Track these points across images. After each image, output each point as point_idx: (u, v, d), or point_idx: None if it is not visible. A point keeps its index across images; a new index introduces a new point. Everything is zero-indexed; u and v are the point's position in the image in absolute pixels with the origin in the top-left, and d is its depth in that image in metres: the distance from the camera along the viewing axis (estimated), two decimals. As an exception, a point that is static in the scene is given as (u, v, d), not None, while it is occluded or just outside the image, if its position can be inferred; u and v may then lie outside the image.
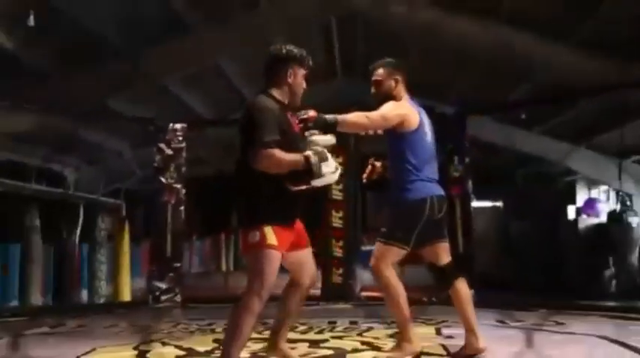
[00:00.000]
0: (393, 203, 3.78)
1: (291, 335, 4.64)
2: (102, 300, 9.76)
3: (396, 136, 3.78)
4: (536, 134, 10.09)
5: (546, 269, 8.68)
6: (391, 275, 3.74)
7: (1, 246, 7.67)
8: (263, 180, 3.12)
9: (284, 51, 3.36)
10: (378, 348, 4.17)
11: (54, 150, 9.91)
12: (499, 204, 11.55)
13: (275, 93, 3.34)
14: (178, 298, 7.46)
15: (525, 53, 7.40)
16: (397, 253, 3.72)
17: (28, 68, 7.65)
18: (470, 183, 7.39)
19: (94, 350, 4.19)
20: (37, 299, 8.63)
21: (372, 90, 3.95)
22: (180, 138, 7.66)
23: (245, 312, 3.02)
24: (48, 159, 9.87)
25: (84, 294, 9.90)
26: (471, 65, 8.72)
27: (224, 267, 14.18)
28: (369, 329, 5.17)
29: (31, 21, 5.91)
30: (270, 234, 3.09)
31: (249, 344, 3.51)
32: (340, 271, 7.36)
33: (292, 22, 8.42)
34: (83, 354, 3.98)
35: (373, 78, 3.93)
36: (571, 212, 10.61)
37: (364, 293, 7.69)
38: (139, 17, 7.51)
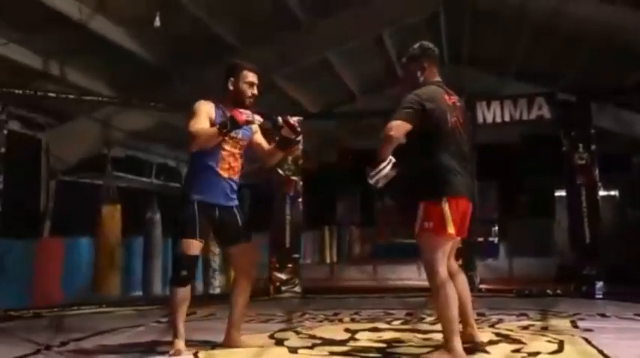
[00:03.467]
0: None
1: (421, 327, 4.64)
2: (216, 291, 10.03)
3: None
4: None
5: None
6: None
7: (126, 239, 8.03)
8: None
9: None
10: (515, 341, 4.07)
11: (169, 146, 10.29)
12: (614, 193, 11.06)
13: None
14: (298, 289, 7.58)
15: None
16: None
17: (150, 67, 8.00)
18: (597, 171, 7.09)
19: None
20: (158, 289, 9.00)
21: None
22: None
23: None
24: (164, 156, 10.26)
25: (199, 285, 10.22)
26: (585, 49, 8.39)
27: (328, 259, 14.31)
28: (500, 321, 5.06)
29: (157, 22, 6.13)
30: None
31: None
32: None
33: (401, 11, 8.38)
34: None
35: None
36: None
37: (483, 286, 7.55)
38: (252, 14, 7.70)
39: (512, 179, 12.63)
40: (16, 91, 6.42)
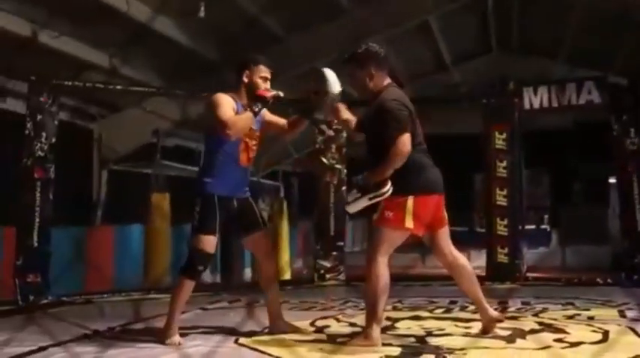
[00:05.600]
0: None
1: (463, 315, 4.61)
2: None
3: None
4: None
5: None
6: None
7: (177, 227, 8.18)
8: None
9: None
10: (558, 330, 4.01)
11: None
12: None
13: None
14: (342, 276, 7.61)
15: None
16: None
17: (200, 59, 8.12)
18: (649, 157, 6.85)
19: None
20: (207, 276, 9.15)
21: None
22: (341, 120, 7.72)
23: None
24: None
25: (247, 273, 10.35)
26: (637, 30, 8.11)
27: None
28: (544, 310, 4.97)
29: (202, 12, 6.20)
30: None
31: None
32: (505, 250, 7.13)
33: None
34: (268, 327, 4.16)
35: None
36: None
37: (531, 274, 7.42)
38: (297, 3, 7.73)
39: (564, 165, 12.39)
40: (66, 83, 6.59)
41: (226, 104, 3.75)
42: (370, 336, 3.52)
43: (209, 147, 3.90)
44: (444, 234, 3.79)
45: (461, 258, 3.81)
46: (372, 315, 3.54)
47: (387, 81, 3.76)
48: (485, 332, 3.80)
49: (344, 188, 7.36)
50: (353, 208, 3.63)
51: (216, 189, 3.80)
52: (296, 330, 4.05)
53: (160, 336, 3.81)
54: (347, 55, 3.80)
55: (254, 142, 3.96)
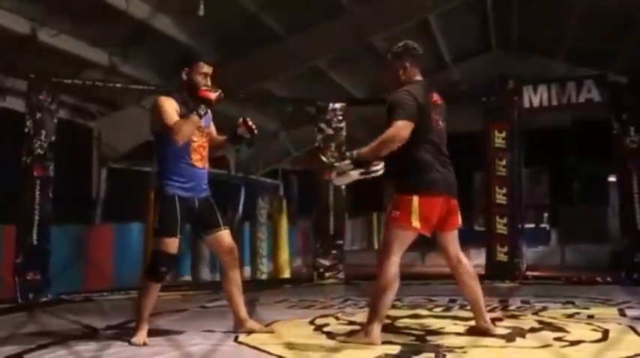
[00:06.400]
0: None
1: (462, 314, 4.61)
2: (263, 277, 10.16)
3: None
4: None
5: None
6: None
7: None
8: None
9: None
10: (558, 328, 4.00)
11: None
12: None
13: None
14: (342, 275, 7.61)
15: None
16: None
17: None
18: (650, 156, 6.85)
19: (275, 322, 4.41)
20: (206, 274, 9.15)
21: None
22: (340, 118, 7.74)
23: None
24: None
25: (247, 271, 10.35)
26: (638, 28, 8.11)
27: (377, 246, 14.29)
28: (544, 308, 4.97)
29: (201, 11, 6.20)
30: None
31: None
32: (505, 249, 7.14)
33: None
34: (267, 325, 4.16)
35: None
36: None
37: (530, 273, 7.42)
38: (295, 2, 7.72)
39: (564, 164, 12.38)
40: (66, 81, 6.58)
41: (169, 108, 3.74)
42: (370, 334, 3.52)
43: (160, 149, 3.85)
44: (451, 237, 3.78)
45: (467, 263, 3.79)
46: (375, 313, 3.54)
47: (419, 77, 3.78)
48: (473, 333, 3.81)
49: (343, 186, 7.32)
50: (341, 181, 3.66)
51: (177, 191, 3.78)
52: (267, 330, 4.02)
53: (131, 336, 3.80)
54: (387, 48, 3.87)
55: (204, 140, 3.92)
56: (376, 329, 3.53)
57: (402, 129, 3.47)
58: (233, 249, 4.05)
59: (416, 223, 3.54)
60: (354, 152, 3.57)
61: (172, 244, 3.77)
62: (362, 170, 3.53)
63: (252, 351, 3.53)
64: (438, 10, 8.57)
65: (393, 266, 3.55)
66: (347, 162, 3.57)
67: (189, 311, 5.14)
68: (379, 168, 3.53)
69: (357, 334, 3.66)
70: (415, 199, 3.53)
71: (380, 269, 3.56)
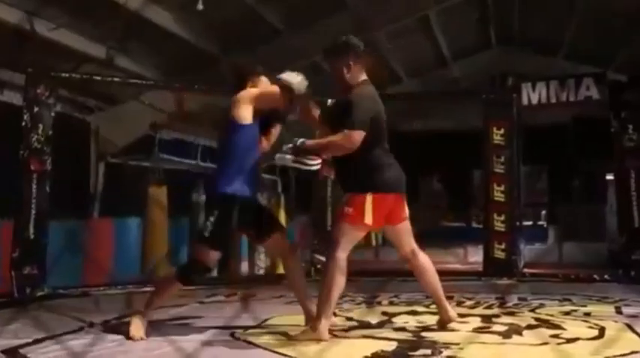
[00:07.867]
0: None
1: (459, 310, 4.59)
2: (261, 272, 10.13)
3: None
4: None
5: None
6: None
7: (173, 220, 8.17)
8: None
9: None
10: (555, 326, 4.01)
11: (214, 128, 10.38)
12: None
13: None
14: (338, 271, 7.58)
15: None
16: None
17: (198, 52, 8.09)
18: (648, 153, 6.85)
19: (272, 317, 4.41)
20: (204, 270, 9.13)
21: None
22: (338, 114, 7.71)
23: None
24: (210, 137, 10.34)
25: (244, 266, 10.33)
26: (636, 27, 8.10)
27: (374, 242, 14.29)
28: (541, 305, 4.98)
29: (200, 5, 6.18)
30: None
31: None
32: (503, 246, 7.13)
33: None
34: (264, 321, 4.16)
35: None
36: None
37: (528, 270, 7.41)
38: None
39: (562, 162, 12.38)
40: (63, 75, 6.56)
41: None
42: (318, 330, 3.55)
43: (230, 141, 3.75)
44: (403, 230, 3.85)
45: (422, 256, 3.87)
46: (323, 309, 3.59)
47: (364, 77, 3.77)
48: (440, 327, 3.87)
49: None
50: (278, 161, 3.68)
51: (239, 193, 3.68)
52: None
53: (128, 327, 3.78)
54: (327, 46, 3.83)
55: None
56: (324, 325, 3.58)
57: (353, 141, 3.53)
58: (296, 247, 4.16)
59: (368, 220, 3.61)
60: (301, 140, 3.61)
61: (214, 257, 3.73)
62: (298, 159, 3.58)
63: (248, 346, 3.53)
64: (438, 6, 8.56)
65: (341, 261, 3.60)
66: (290, 145, 3.60)
67: (187, 306, 5.13)
68: (314, 163, 3.60)
69: (304, 330, 3.69)
70: (369, 197, 3.60)
71: (328, 266, 3.63)
